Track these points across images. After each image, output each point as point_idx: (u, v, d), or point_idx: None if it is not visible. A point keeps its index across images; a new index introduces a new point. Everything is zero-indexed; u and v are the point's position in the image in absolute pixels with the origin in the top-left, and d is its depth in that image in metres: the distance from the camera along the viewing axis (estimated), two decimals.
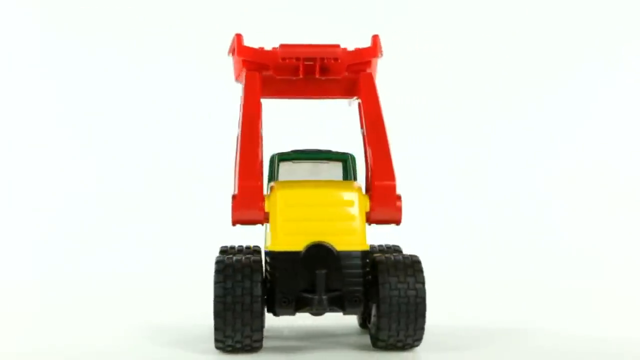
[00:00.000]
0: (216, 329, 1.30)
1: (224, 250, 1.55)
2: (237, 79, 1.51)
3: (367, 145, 1.43)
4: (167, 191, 2.59)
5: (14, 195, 2.54)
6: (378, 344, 1.37)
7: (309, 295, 1.30)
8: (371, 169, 1.40)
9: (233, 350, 1.33)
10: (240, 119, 1.41)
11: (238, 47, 1.45)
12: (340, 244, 1.32)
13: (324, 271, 1.29)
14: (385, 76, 2.68)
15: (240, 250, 1.55)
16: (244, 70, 1.45)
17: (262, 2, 2.68)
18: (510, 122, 2.68)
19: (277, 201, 1.34)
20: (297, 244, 1.31)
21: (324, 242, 1.31)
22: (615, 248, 2.36)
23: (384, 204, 1.37)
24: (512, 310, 1.76)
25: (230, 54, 1.49)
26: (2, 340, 1.53)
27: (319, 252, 1.31)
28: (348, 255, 1.33)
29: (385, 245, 1.59)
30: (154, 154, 2.64)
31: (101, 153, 2.63)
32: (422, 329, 1.34)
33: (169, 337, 1.51)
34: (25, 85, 2.67)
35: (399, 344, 1.35)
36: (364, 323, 1.52)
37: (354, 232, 1.35)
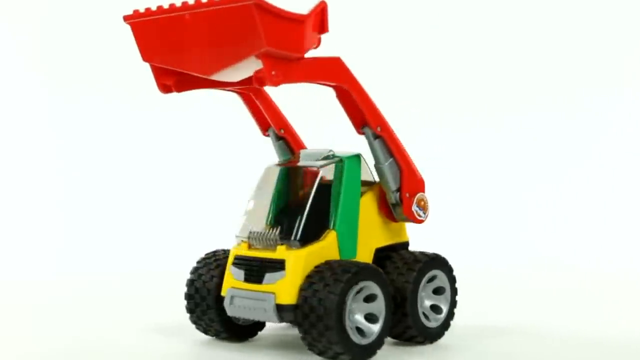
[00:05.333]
0: None
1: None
2: (305, 50, 1.25)
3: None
4: (167, 191, 2.59)
5: (14, 195, 2.54)
6: None
7: None
8: None
9: None
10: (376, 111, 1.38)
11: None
12: None
13: None
14: (389, 76, 2.68)
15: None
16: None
17: None
18: (513, 122, 2.69)
19: None
20: None
21: None
22: (617, 249, 2.37)
23: None
24: (512, 311, 1.77)
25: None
26: (2, 340, 1.53)
27: None
28: None
29: None
30: (155, 153, 2.65)
31: (101, 153, 2.64)
32: None
33: (171, 334, 1.51)
34: (25, 84, 2.68)
35: None
36: None
37: None
